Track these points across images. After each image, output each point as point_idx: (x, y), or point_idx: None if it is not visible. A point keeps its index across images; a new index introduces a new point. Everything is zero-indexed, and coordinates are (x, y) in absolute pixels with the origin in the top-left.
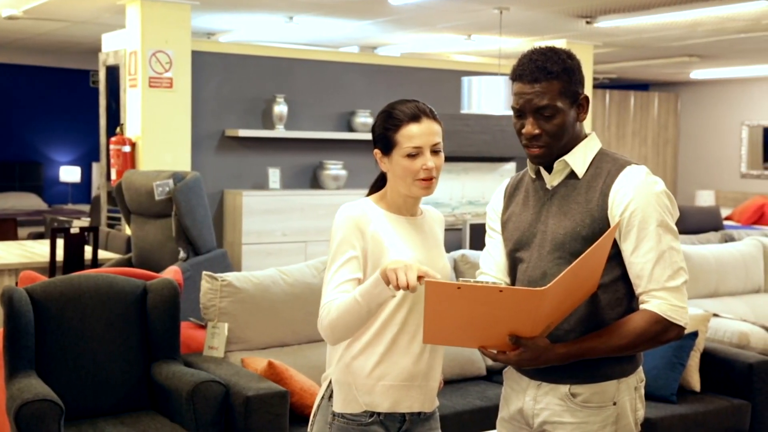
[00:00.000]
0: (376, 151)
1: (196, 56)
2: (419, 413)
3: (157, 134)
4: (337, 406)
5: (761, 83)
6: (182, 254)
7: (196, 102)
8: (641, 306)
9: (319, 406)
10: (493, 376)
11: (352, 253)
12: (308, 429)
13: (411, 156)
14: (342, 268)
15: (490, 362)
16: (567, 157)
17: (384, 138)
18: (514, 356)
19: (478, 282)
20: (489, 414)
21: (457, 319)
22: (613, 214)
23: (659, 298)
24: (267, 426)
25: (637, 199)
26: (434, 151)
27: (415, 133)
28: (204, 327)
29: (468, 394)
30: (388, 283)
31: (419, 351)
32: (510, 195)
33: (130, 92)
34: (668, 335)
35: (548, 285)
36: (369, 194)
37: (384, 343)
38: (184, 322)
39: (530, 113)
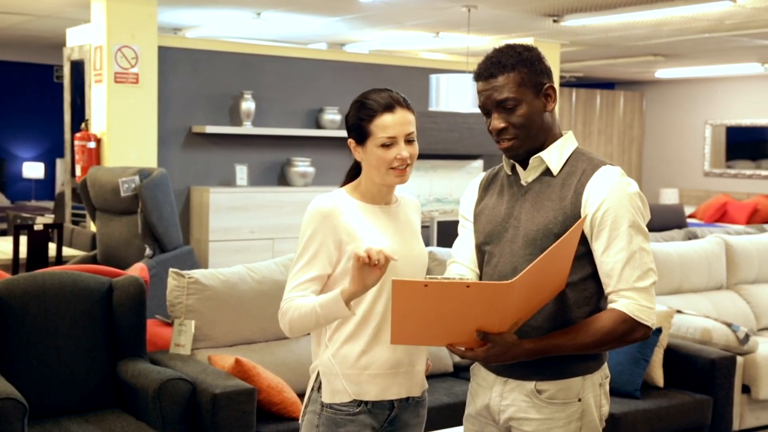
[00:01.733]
0: (350, 140)
1: (163, 52)
2: (407, 399)
3: (122, 130)
4: (326, 397)
5: (724, 83)
6: (148, 251)
7: (162, 98)
8: (609, 305)
9: (309, 397)
10: (460, 372)
11: (319, 249)
12: (300, 420)
13: (385, 146)
14: (307, 265)
15: (457, 359)
16: (543, 154)
17: (358, 128)
18: (482, 352)
19: (445, 279)
20: (456, 410)
21: (425, 317)
22: (586, 212)
23: (628, 298)
24: (234, 423)
25: (611, 199)
26: (408, 141)
27: (389, 124)
28: (170, 324)
29: (435, 391)
30: (354, 296)
31: None
32: (485, 187)
33: (95, 87)
34: (635, 335)
35: (515, 278)
36: (344, 183)
37: (367, 333)
38: (151, 319)
39: (493, 108)
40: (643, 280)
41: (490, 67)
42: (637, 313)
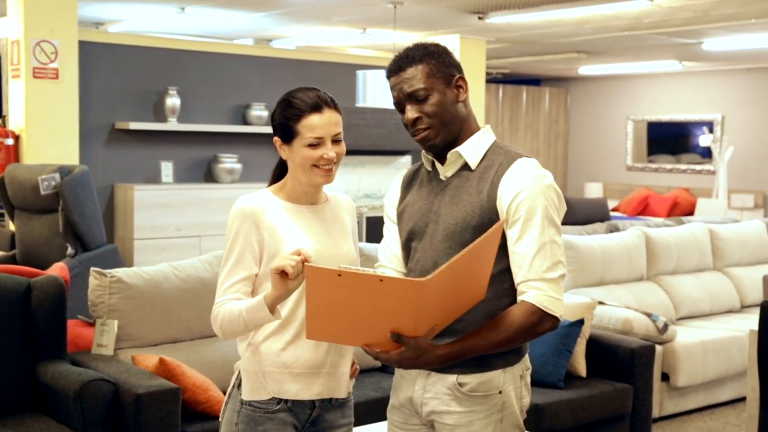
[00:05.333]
0: (276, 138)
1: (84, 46)
2: (330, 399)
3: (42, 127)
4: (245, 394)
5: (645, 79)
6: (70, 250)
7: (84, 94)
8: (519, 297)
9: (229, 395)
10: (388, 367)
11: (244, 249)
12: (220, 418)
13: (312, 146)
14: (234, 267)
15: None
16: (460, 149)
17: (285, 127)
18: (396, 355)
19: (360, 270)
20: (384, 405)
21: (339, 311)
22: (502, 204)
23: (536, 289)
24: (158, 423)
25: (526, 190)
26: (335, 141)
27: (316, 124)
28: (93, 325)
29: (363, 386)
30: (278, 300)
31: None
32: (406, 185)
33: (12, 83)
34: (543, 326)
35: (428, 277)
36: (271, 183)
37: (291, 331)
38: (73, 320)
39: (406, 100)
40: (552, 272)
41: (399, 62)
42: (546, 303)
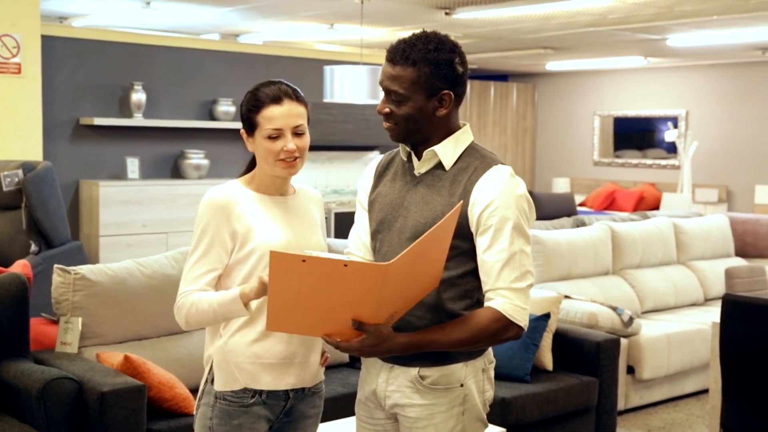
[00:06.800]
0: (242, 130)
1: (47, 41)
2: (303, 389)
3: (4, 123)
4: (218, 385)
5: (611, 75)
6: (33, 247)
7: (47, 89)
8: (486, 303)
9: (203, 390)
10: (356, 363)
11: (213, 241)
12: (194, 412)
13: (272, 138)
14: (202, 258)
15: None
16: (437, 148)
17: (247, 119)
18: (356, 343)
19: (324, 255)
20: (351, 400)
21: (301, 299)
22: (474, 211)
23: (504, 297)
24: (123, 421)
25: (499, 199)
26: (296, 133)
27: (275, 115)
28: (57, 322)
29: (331, 381)
30: (247, 302)
31: None
32: (380, 174)
33: None
34: (507, 334)
35: (392, 261)
36: (243, 174)
37: (261, 322)
38: (36, 318)
39: (385, 92)
40: (521, 281)
41: (396, 53)
42: (512, 312)
